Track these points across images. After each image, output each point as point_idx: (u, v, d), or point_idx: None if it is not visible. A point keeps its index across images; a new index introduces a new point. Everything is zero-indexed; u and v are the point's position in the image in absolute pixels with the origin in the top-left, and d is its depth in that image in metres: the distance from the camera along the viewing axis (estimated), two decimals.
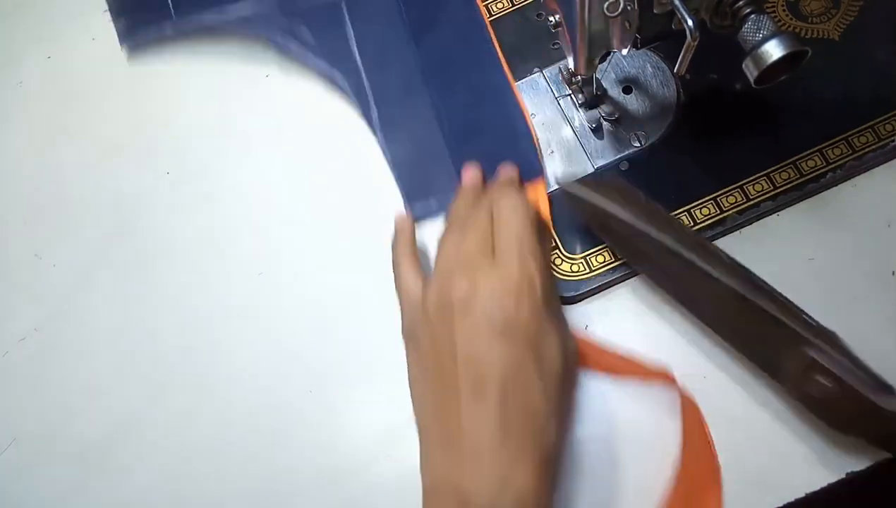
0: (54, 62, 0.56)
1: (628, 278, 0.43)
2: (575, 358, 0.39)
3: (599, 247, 0.43)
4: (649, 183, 0.44)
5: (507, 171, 0.44)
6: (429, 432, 0.36)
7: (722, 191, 0.43)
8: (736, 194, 0.43)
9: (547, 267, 0.39)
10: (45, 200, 0.52)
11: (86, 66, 0.56)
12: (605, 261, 0.43)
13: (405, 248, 0.43)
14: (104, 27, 0.56)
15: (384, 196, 0.48)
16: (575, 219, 0.44)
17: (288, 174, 0.50)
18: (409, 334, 0.40)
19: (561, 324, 0.39)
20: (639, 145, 0.45)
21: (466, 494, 0.33)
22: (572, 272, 0.43)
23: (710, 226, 0.43)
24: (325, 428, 0.43)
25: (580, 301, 0.43)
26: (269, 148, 0.51)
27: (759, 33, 0.30)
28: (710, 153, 0.44)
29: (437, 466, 0.35)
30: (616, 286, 0.43)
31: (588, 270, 0.43)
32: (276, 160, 0.50)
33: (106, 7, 0.56)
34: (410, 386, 0.39)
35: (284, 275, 0.47)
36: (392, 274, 0.43)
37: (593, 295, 0.43)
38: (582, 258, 0.43)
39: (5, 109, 0.55)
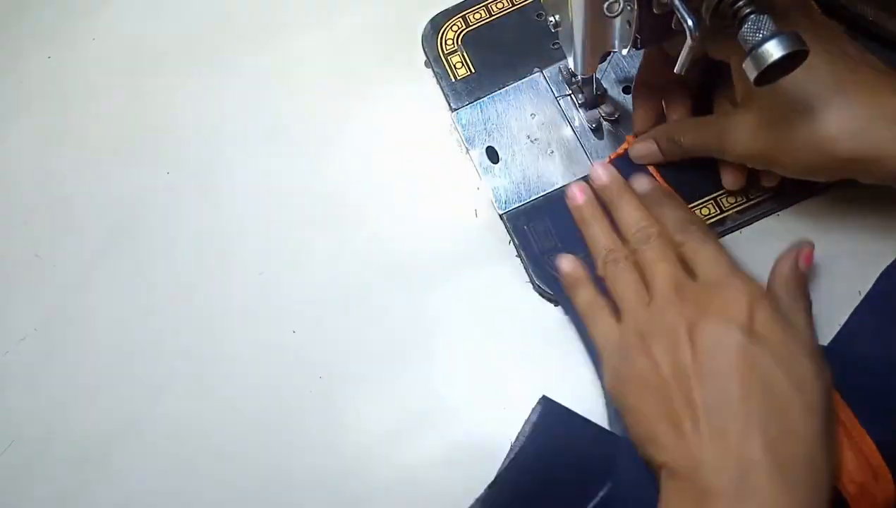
0: (54, 62, 0.56)
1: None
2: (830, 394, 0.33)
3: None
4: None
5: (640, 183, 0.41)
6: (672, 463, 0.31)
7: (722, 191, 0.43)
8: (736, 194, 0.43)
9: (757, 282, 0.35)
10: (45, 200, 0.52)
11: (86, 66, 0.56)
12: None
13: (594, 295, 0.38)
14: (104, 27, 0.56)
15: (384, 196, 0.48)
16: None
17: (287, 174, 0.50)
18: (622, 376, 0.35)
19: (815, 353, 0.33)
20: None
21: None
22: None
23: (711, 226, 0.43)
24: (325, 428, 0.43)
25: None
26: (268, 148, 0.51)
27: (759, 33, 0.30)
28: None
29: (689, 500, 0.30)
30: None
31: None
32: (276, 160, 0.50)
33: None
34: (633, 429, 0.34)
35: (284, 275, 0.47)
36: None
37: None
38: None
39: (5, 109, 0.55)
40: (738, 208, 0.43)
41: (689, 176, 0.44)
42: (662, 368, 0.33)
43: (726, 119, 0.39)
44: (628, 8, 0.35)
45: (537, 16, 0.50)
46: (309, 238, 0.48)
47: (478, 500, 0.36)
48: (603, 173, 0.40)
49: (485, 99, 0.48)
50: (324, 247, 0.47)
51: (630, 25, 0.35)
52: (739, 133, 0.38)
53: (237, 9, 0.56)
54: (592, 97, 0.45)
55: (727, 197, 0.43)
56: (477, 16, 0.51)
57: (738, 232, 0.43)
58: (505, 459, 0.37)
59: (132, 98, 0.54)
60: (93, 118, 0.54)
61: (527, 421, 0.38)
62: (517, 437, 0.37)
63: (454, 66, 0.49)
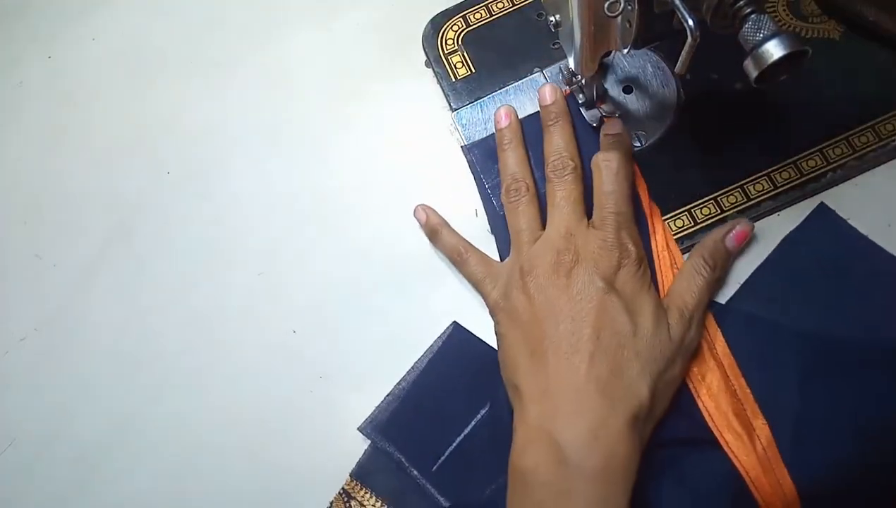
0: (54, 62, 0.56)
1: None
2: (689, 340, 0.38)
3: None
4: (650, 182, 0.44)
5: (613, 126, 0.43)
6: (522, 390, 0.37)
7: (722, 191, 0.43)
8: (736, 194, 0.43)
9: (640, 247, 0.40)
10: (45, 200, 0.52)
11: (86, 65, 0.56)
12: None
13: (455, 237, 0.44)
14: (104, 27, 0.56)
15: (385, 196, 0.48)
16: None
17: (288, 173, 0.50)
18: (500, 305, 0.40)
19: (661, 304, 0.39)
20: (639, 145, 0.45)
21: (560, 443, 0.34)
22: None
23: (711, 226, 0.43)
24: (325, 428, 0.43)
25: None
26: (269, 148, 0.51)
27: (760, 33, 0.30)
28: (710, 153, 0.44)
29: (532, 418, 0.36)
30: None
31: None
32: (277, 160, 0.50)
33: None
34: (502, 353, 0.39)
35: (284, 275, 0.47)
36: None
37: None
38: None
39: (5, 109, 0.55)
40: (739, 208, 0.43)
41: (690, 174, 0.44)
42: (534, 303, 0.38)
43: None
44: (628, 8, 0.35)
45: (537, 16, 0.50)
46: (309, 238, 0.48)
47: (379, 408, 0.42)
48: (549, 94, 0.44)
49: (485, 99, 0.48)
50: (324, 246, 0.47)
51: (630, 25, 0.35)
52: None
53: (237, 9, 0.56)
54: (598, 95, 0.45)
55: (728, 196, 0.43)
56: (477, 16, 0.51)
57: None
58: (409, 371, 0.42)
59: (132, 98, 0.54)
60: (93, 118, 0.54)
61: (437, 339, 0.43)
62: (424, 353, 0.43)
63: (454, 65, 0.49)
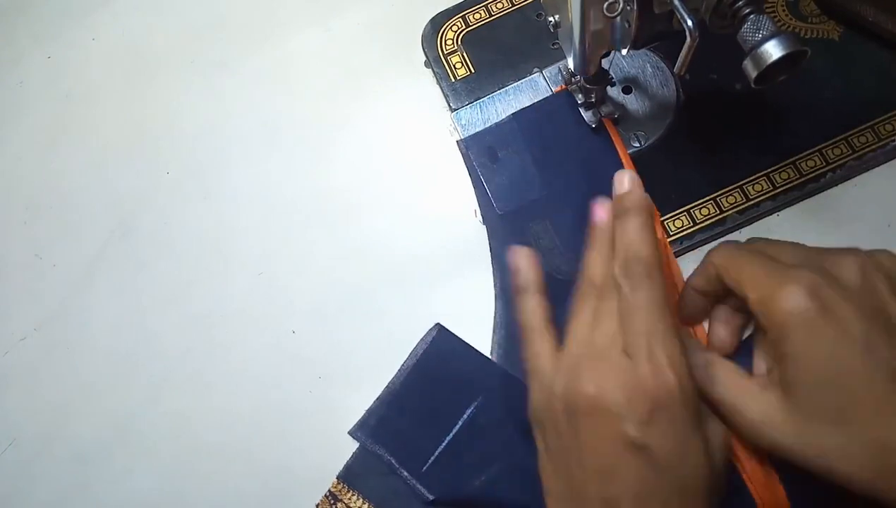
0: (54, 62, 0.56)
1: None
2: (725, 465, 0.33)
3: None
4: (649, 182, 0.43)
5: (632, 200, 0.36)
6: None
7: (722, 191, 0.43)
8: (736, 194, 0.43)
9: (685, 362, 0.31)
10: (45, 200, 0.52)
11: (86, 65, 0.56)
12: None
13: (539, 308, 0.36)
14: (104, 27, 0.56)
15: (384, 196, 0.48)
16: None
17: (287, 174, 0.50)
18: (537, 419, 0.35)
19: (705, 428, 0.32)
20: (639, 145, 0.45)
21: None
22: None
23: (710, 226, 0.43)
24: (324, 429, 0.43)
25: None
26: (269, 148, 0.51)
27: (759, 33, 0.30)
28: (709, 153, 0.44)
29: None
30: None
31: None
32: (277, 160, 0.50)
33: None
34: (541, 470, 0.35)
35: (284, 275, 0.47)
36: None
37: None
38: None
39: (5, 109, 0.55)
40: (738, 208, 0.43)
41: (690, 174, 0.44)
42: (559, 429, 0.33)
43: (744, 392, 0.33)
44: (628, 8, 0.35)
45: (537, 16, 0.50)
46: (309, 238, 0.48)
47: (368, 411, 0.42)
48: (627, 182, 0.37)
49: (485, 99, 0.48)
50: (324, 246, 0.48)
51: (630, 25, 0.35)
52: (760, 416, 0.32)
53: (237, 9, 0.56)
54: (599, 96, 0.45)
55: (727, 197, 0.43)
56: (477, 16, 0.51)
57: (737, 231, 0.43)
58: (396, 374, 0.42)
59: (132, 98, 0.54)
60: (93, 118, 0.54)
61: (420, 342, 0.43)
62: (409, 356, 0.43)
63: (454, 66, 0.49)
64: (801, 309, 0.30)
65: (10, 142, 0.54)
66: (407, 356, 0.43)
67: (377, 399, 0.42)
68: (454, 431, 0.41)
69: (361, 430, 0.42)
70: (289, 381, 0.44)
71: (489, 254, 0.45)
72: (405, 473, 0.40)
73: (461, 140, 0.47)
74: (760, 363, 0.35)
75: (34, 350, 0.48)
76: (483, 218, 0.45)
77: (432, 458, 0.40)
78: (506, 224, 0.45)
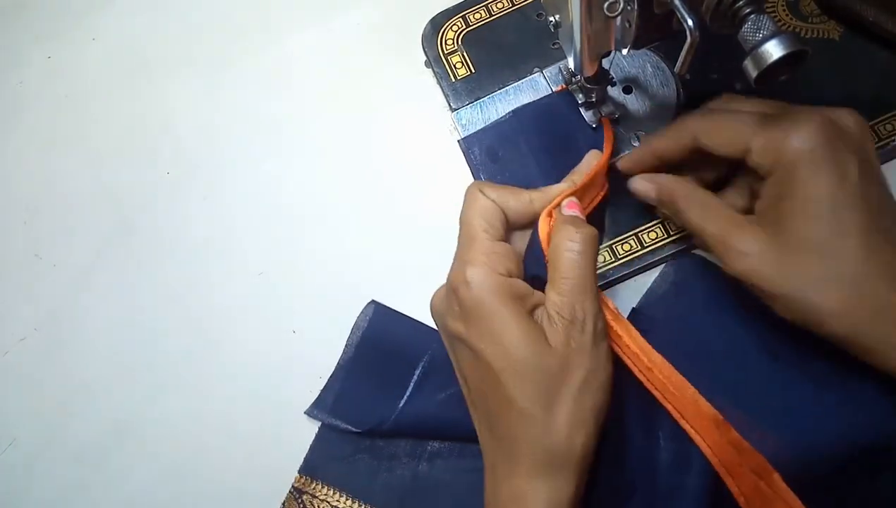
0: (54, 62, 0.56)
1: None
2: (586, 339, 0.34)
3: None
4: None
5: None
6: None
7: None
8: (657, 229, 0.43)
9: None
10: (45, 200, 0.52)
11: (86, 65, 0.56)
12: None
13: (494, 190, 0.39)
14: (104, 27, 0.56)
15: (384, 195, 0.48)
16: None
17: (288, 174, 0.50)
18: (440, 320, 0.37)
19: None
20: (639, 145, 0.45)
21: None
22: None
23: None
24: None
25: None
26: (268, 148, 0.51)
27: (759, 33, 0.30)
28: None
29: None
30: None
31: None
32: (276, 160, 0.50)
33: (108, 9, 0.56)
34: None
35: (284, 275, 0.47)
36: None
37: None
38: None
39: (5, 109, 0.55)
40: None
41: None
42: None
43: (734, 226, 0.35)
44: (628, 8, 0.35)
45: (537, 16, 0.50)
46: (309, 238, 0.48)
47: (323, 390, 0.43)
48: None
49: (485, 99, 0.48)
50: (324, 246, 0.48)
51: (630, 25, 0.35)
52: (747, 247, 0.34)
53: (237, 9, 0.56)
54: (601, 96, 0.45)
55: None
56: (477, 16, 0.51)
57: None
58: (343, 352, 0.44)
59: (132, 98, 0.54)
60: (93, 118, 0.54)
61: (360, 318, 0.44)
62: (352, 332, 0.44)
63: (454, 66, 0.49)
64: (813, 147, 0.32)
65: (10, 142, 0.54)
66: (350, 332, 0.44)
67: (330, 377, 0.43)
68: (409, 391, 0.42)
69: (318, 408, 0.43)
70: (289, 381, 0.44)
71: None
72: (368, 436, 0.41)
73: (461, 139, 0.47)
74: (738, 201, 0.37)
75: (34, 350, 0.48)
76: None
77: (392, 418, 0.41)
78: None
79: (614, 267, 0.43)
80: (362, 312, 0.44)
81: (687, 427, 0.36)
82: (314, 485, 0.42)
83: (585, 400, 0.32)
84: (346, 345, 0.44)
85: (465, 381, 0.35)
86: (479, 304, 0.33)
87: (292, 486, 0.42)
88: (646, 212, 0.43)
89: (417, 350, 0.43)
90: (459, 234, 0.37)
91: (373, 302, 0.44)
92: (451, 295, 0.34)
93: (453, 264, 0.36)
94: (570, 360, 0.32)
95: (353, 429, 0.41)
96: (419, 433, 0.42)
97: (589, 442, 0.32)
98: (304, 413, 0.42)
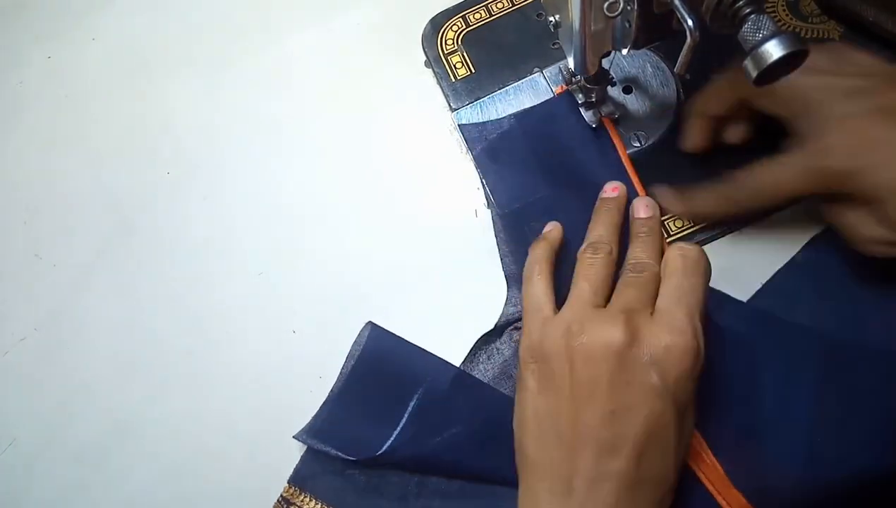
0: (54, 62, 0.56)
1: (739, 228, 0.43)
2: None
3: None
4: (649, 183, 0.44)
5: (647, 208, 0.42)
6: (539, 471, 0.34)
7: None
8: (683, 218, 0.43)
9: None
10: (45, 200, 0.52)
11: (86, 66, 0.56)
12: (682, 226, 0.43)
13: (545, 255, 0.40)
14: (104, 27, 0.56)
15: (384, 196, 0.48)
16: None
17: (287, 174, 0.50)
18: (536, 353, 0.36)
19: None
20: (639, 145, 0.45)
21: None
22: (676, 228, 0.43)
23: (711, 226, 0.43)
24: None
25: None
26: (268, 148, 0.51)
27: (759, 33, 0.30)
28: (710, 153, 0.44)
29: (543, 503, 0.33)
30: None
31: (692, 223, 0.43)
32: (276, 160, 0.50)
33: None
34: (520, 410, 0.36)
35: (284, 275, 0.47)
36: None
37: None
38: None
39: (5, 109, 0.55)
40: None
41: (690, 174, 0.44)
42: (574, 375, 0.34)
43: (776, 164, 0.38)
44: (628, 8, 0.35)
45: (537, 16, 0.50)
46: (309, 238, 0.48)
47: (314, 417, 0.42)
48: (643, 210, 0.41)
49: (485, 99, 0.48)
50: (324, 246, 0.47)
51: (630, 25, 0.35)
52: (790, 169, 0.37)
53: (237, 9, 0.56)
54: (600, 95, 0.45)
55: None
56: (477, 16, 0.51)
57: (738, 231, 0.43)
58: (338, 378, 0.43)
59: (132, 98, 0.54)
60: (93, 118, 0.54)
61: (355, 343, 0.43)
62: (347, 358, 0.43)
63: (454, 66, 0.49)
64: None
65: (10, 142, 0.54)
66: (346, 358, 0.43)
67: (322, 404, 0.42)
68: (405, 416, 0.41)
69: (308, 434, 0.42)
70: (289, 381, 0.44)
71: (489, 251, 0.45)
72: (357, 465, 0.41)
73: (461, 126, 0.47)
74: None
75: (34, 350, 0.48)
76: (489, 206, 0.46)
77: (384, 447, 0.40)
78: (506, 223, 0.45)
79: None
80: (358, 336, 0.43)
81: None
82: (302, 497, 0.41)
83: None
84: (340, 372, 0.43)
85: (638, 429, 0.33)
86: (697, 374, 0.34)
87: (281, 496, 0.41)
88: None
89: (412, 381, 0.42)
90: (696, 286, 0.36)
91: (369, 323, 0.43)
92: (691, 349, 0.33)
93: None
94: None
95: (344, 456, 0.40)
96: (412, 469, 0.41)
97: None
98: (293, 437, 0.42)
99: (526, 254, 0.42)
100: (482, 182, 0.46)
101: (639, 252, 0.39)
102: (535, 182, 0.45)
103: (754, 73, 0.30)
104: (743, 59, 0.31)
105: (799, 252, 0.42)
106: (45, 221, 0.51)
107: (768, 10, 0.44)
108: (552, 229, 0.43)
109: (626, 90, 0.47)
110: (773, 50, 0.30)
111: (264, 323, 0.46)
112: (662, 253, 0.38)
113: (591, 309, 0.35)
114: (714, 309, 0.39)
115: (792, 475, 0.36)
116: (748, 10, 0.30)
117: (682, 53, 0.32)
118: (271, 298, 0.47)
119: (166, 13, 0.57)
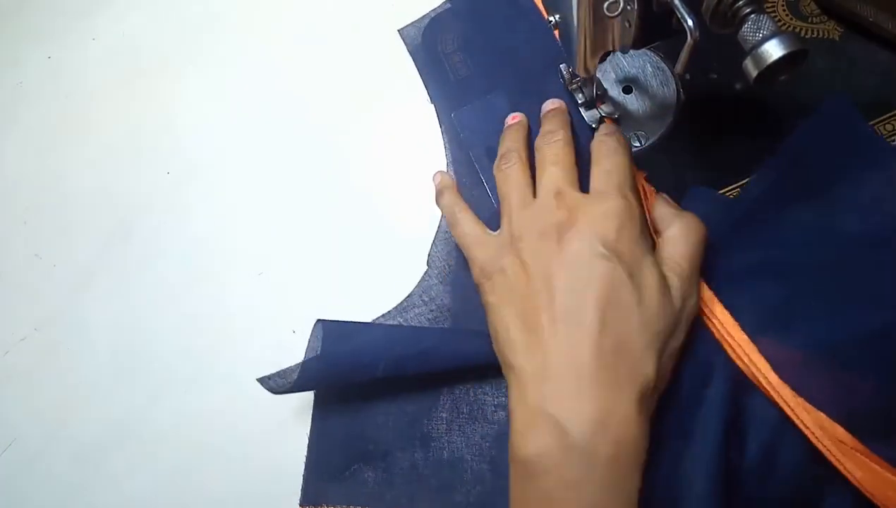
0: (54, 62, 0.56)
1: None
2: (690, 306, 0.36)
3: None
4: (649, 183, 0.43)
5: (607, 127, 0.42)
6: (518, 368, 0.34)
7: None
8: (736, 194, 0.43)
9: (642, 205, 0.38)
10: (45, 200, 0.52)
11: (86, 66, 0.56)
12: None
13: (456, 198, 0.42)
14: (104, 27, 0.56)
15: (384, 196, 0.48)
16: None
17: (287, 174, 0.50)
18: (488, 271, 0.37)
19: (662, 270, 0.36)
20: (639, 145, 0.45)
21: (565, 426, 0.32)
22: None
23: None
24: None
25: None
26: (268, 148, 0.51)
27: (759, 33, 0.30)
28: (709, 153, 0.44)
29: (532, 399, 0.33)
30: None
31: None
32: (276, 160, 0.50)
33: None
34: (493, 326, 0.37)
35: (284, 275, 0.47)
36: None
37: None
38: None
39: (5, 109, 0.55)
40: None
41: (690, 174, 0.44)
42: (529, 269, 0.35)
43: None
44: (628, 7, 0.35)
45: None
46: (308, 238, 0.48)
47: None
48: (549, 104, 0.43)
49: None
50: (324, 247, 0.48)
51: (630, 25, 0.35)
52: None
53: (236, 9, 0.56)
54: (592, 97, 0.45)
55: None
56: None
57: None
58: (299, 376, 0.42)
59: (132, 98, 0.54)
60: (93, 118, 0.54)
61: (311, 341, 0.42)
62: (306, 352, 0.42)
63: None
64: None
65: (10, 142, 0.54)
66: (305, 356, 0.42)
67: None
68: (382, 362, 0.40)
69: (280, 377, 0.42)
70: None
71: None
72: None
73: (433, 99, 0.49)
74: None
75: (34, 350, 0.48)
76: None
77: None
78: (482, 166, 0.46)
79: None
80: (311, 336, 0.42)
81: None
82: None
83: (676, 355, 0.35)
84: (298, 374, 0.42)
85: (594, 297, 0.34)
86: (647, 238, 0.36)
87: None
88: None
89: (370, 358, 0.41)
90: (621, 161, 0.38)
91: (318, 321, 0.42)
92: (624, 211, 0.35)
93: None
94: (679, 323, 0.35)
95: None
96: (419, 365, 0.41)
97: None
98: (257, 380, 0.41)
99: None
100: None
101: (546, 125, 0.41)
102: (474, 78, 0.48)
103: (754, 73, 0.30)
104: (743, 58, 0.31)
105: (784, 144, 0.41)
106: (45, 221, 0.51)
107: (768, 10, 0.44)
108: (446, 179, 0.44)
109: (626, 90, 0.47)
110: (773, 50, 0.30)
111: (264, 323, 0.46)
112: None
113: (522, 211, 0.38)
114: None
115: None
116: (748, 10, 0.30)
117: (682, 53, 0.32)
118: (271, 298, 0.47)
119: (166, 13, 0.57)
